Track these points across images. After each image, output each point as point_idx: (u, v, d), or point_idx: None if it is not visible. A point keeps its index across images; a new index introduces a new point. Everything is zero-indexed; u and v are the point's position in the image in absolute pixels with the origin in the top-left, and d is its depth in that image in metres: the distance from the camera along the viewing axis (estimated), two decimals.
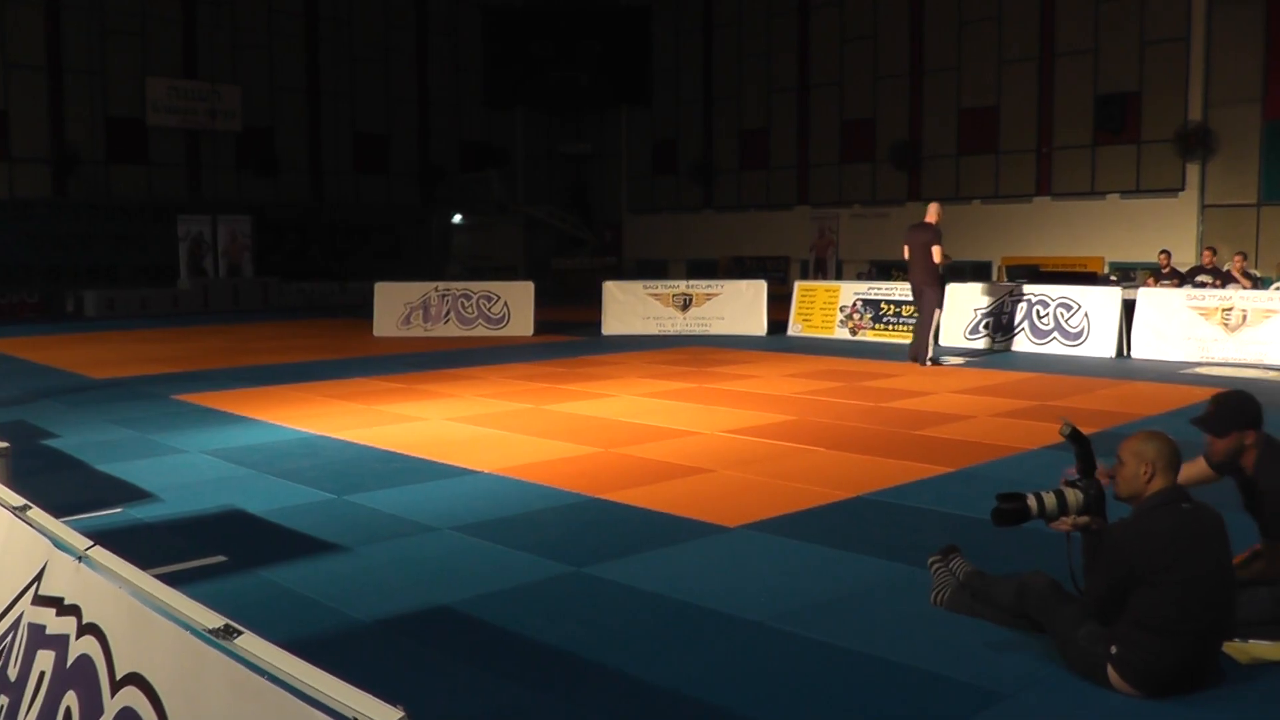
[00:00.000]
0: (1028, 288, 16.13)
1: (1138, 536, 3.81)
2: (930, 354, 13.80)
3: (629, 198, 39.24)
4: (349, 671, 2.07)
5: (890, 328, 17.32)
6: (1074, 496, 4.06)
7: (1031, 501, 4.08)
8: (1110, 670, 3.84)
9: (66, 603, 2.77)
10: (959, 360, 14.58)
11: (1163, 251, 18.56)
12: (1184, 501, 3.90)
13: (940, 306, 13.83)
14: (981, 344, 16.15)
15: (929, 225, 13.66)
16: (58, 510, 3.57)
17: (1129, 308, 15.04)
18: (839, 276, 30.54)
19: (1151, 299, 15.09)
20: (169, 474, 7.52)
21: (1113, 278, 20.56)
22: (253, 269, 30.53)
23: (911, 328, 15.64)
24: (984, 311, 16.29)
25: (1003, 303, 16.13)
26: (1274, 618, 4.18)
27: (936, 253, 13.50)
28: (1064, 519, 4.07)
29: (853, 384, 12.16)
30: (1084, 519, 4.05)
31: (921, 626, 4.49)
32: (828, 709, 3.77)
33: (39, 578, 2.98)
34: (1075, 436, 4.19)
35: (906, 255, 13.84)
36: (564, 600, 4.87)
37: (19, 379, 13.09)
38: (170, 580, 2.67)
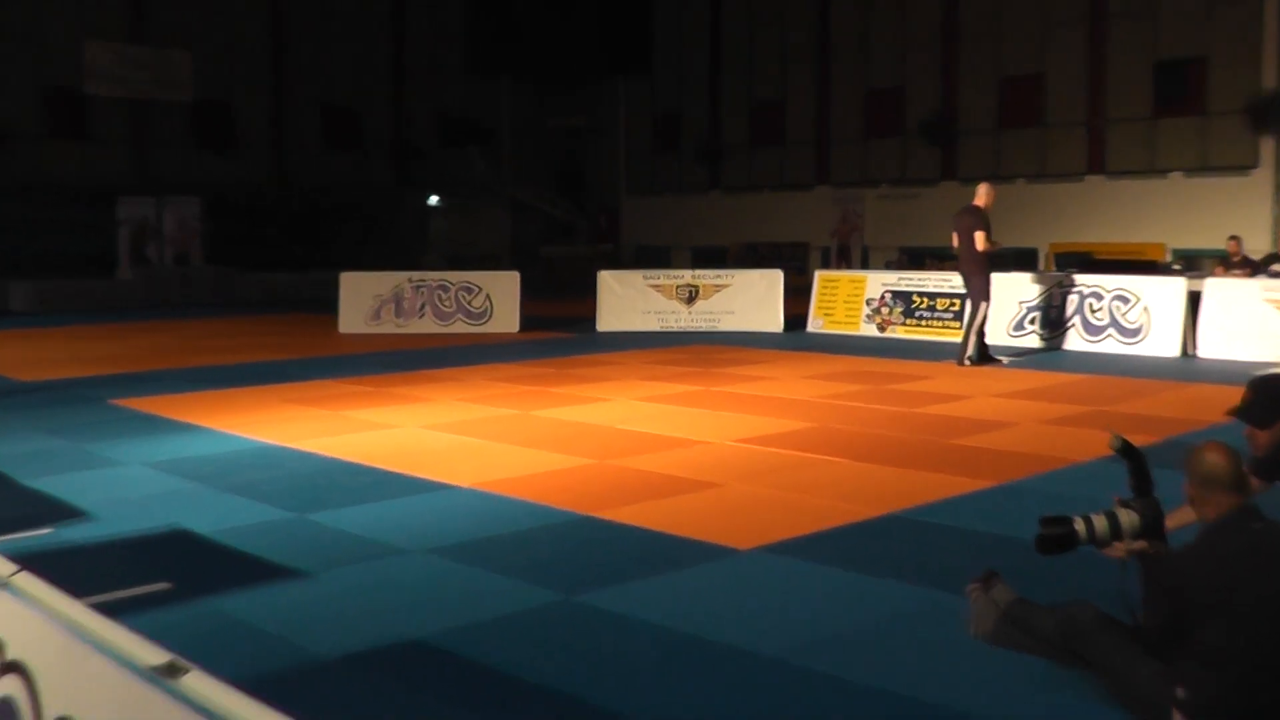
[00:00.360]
0: (1079, 278, 16.12)
1: (1201, 561, 3.79)
2: (969, 352, 13.81)
3: (627, 178, 39.28)
4: (309, 714, 2.05)
5: (923, 323, 17.31)
6: (1128, 518, 4.03)
7: (1079, 525, 4.05)
8: (1177, 717, 3.81)
9: None
10: (1002, 360, 14.57)
11: (1232, 237, 18.55)
12: (1255, 521, 3.86)
13: (986, 299, 13.84)
14: (1026, 342, 16.14)
15: (974, 209, 13.80)
16: None
17: (1194, 301, 15.02)
18: (864, 266, 30.55)
19: (1220, 291, 15.07)
20: (106, 489, 7.50)
21: (1175, 267, 20.55)
22: (204, 258, 30.55)
23: (939, 323, 15.68)
24: (1029, 305, 16.27)
25: (1050, 295, 16.12)
26: None
27: (980, 239, 13.53)
28: (1117, 544, 4.04)
29: (880, 387, 12.14)
30: (1139, 544, 4.02)
31: (958, 661, 4.47)
32: None
33: None
34: (1127, 451, 4.16)
35: (955, 244, 13.94)
36: (553, 632, 4.85)
37: None
38: (107, 611, 2.64)
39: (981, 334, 13.96)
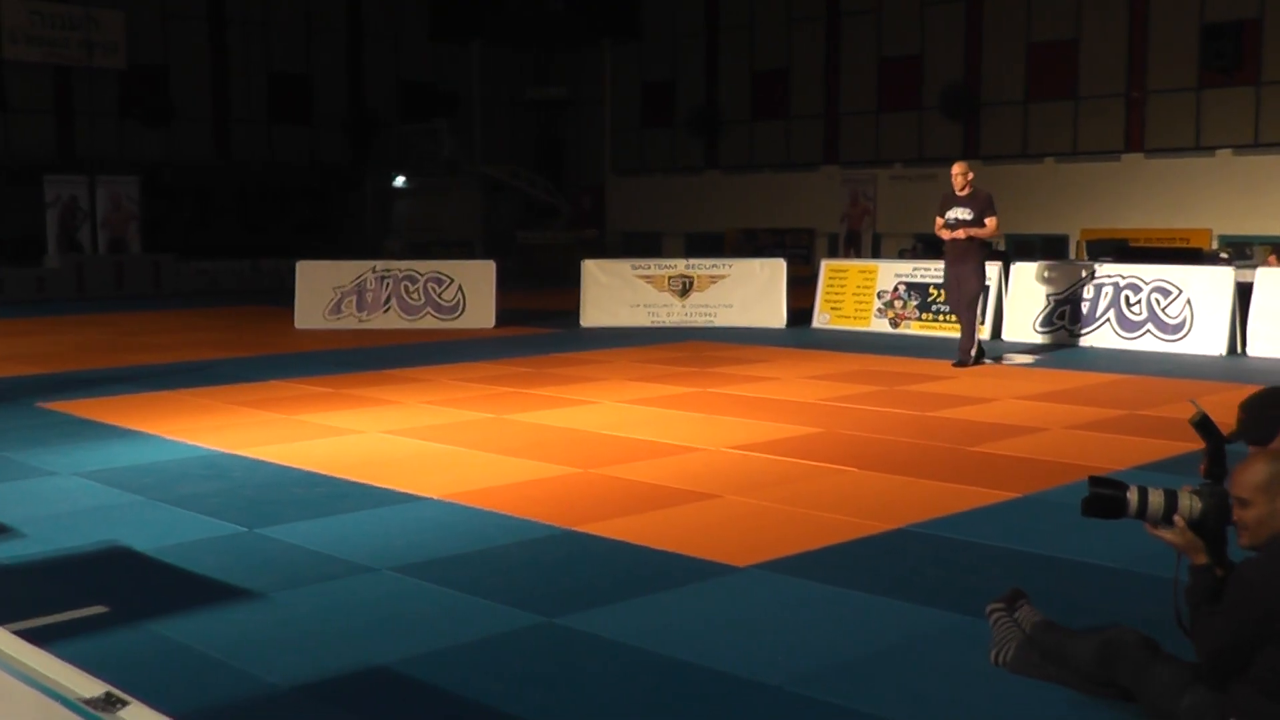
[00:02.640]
0: (1114, 268, 16.21)
1: (1272, 577, 3.78)
2: (973, 349, 13.99)
3: (613, 155, 39.28)
4: None
5: (940, 318, 17.38)
6: (1189, 502, 3.98)
7: (1132, 495, 4.02)
8: None
9: None
10: (1027, 359, 14.64)
11: None
12: None
13: (979, 290, 14.11)
14: (1055, 338, 16.21)
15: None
16: None
17: (1244, 293, 15.10)
18: (876, 254, 30.60)
19: (1273, 282, 15.16)
20: (33, 503, 7.51)
21: (1223, 255, 20.66)
22: (141, 244, 30.43)
23: (943, 318, 15.71)
24: (1058, 298, 16.36)
25: (1082, 286, 16.20)
26: None
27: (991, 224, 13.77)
28: (1164, 529, 4.01)
29: (893, 388, 12.21)
30: (1190, 536, 3.98)
31: (978, 691, 4.51)
32: None
33: None
34: (1206, 427, 4.08)
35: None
36: (532, 659, 4.88)
37: None
38: (36, 637, 2.68)
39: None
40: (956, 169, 13.88)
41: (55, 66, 31.01)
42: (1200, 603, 3.98)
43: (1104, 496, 4.05)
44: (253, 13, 34.51)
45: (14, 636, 2.59)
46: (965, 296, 13.87)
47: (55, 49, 30.82)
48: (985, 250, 14.14)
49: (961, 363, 13.82)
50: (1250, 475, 3.85)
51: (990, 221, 13.63)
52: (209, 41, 33.86)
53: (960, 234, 13.70)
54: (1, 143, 30.45)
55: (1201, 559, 4.00)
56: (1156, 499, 3.99)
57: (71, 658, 2.48)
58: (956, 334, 16.42)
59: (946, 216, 13.81)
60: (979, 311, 14.26)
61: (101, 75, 31.74)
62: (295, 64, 35.51)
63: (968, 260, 13.79)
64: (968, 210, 13.68)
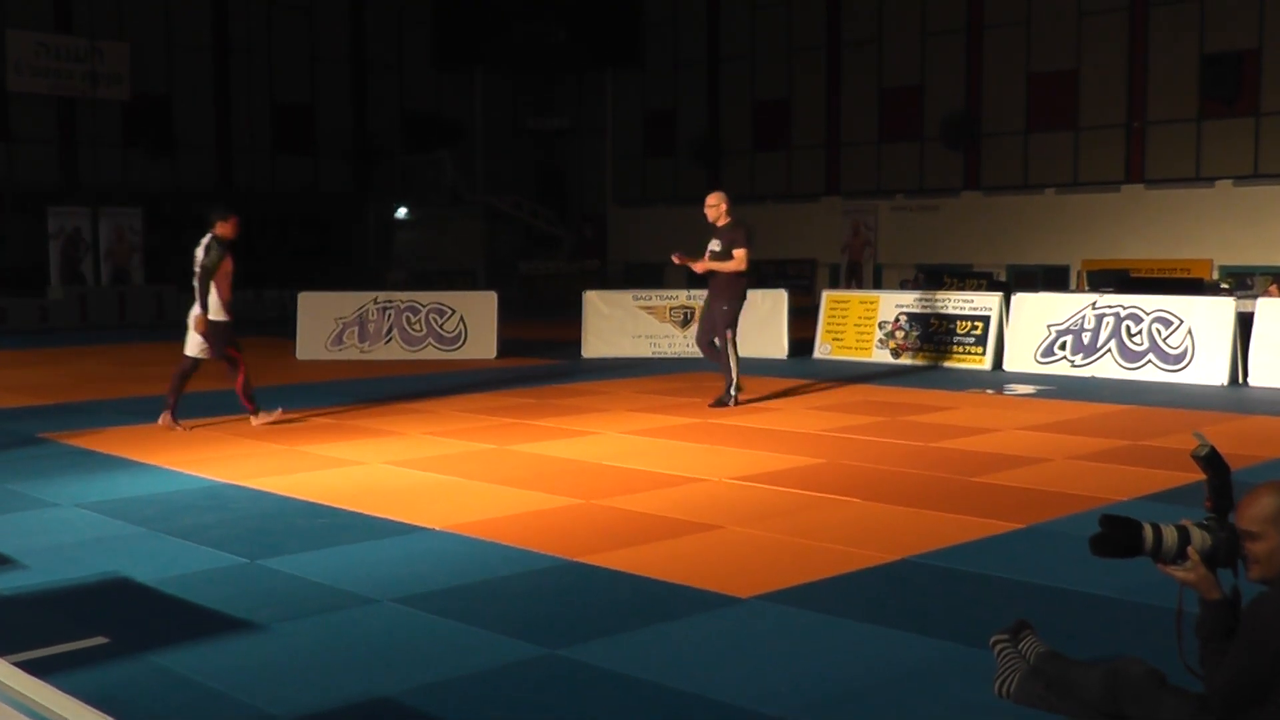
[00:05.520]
0: (1115, 298, 16.22)
1: None
2: (732, 388, 13.19)
3: (615, 185, 39.38)
4: None
5: (943, 349, 17.39)
6: (1200, 537, 3.87)
7: (1147, 532, 3.88)
8: None
9: None
10: (1029, 389, 14.64)
11: None
12: None
13: (727, 327, 13.14)
14: (1056, 369, 16.21)
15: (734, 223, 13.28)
16: None
17: (1245, 323, 15.12)
18: (877, 285, 30.67)
19: (1274, 312, 15.17)
20: (34, 534, 7.50)
21: (1224, 285, 20.68)
22: (144, 274, 30.54)
23: (959, 348, 15.74)
24: (1059, 328, 16.36)
25: (1083, 317, 16.21)
26: None
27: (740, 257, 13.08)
28: (1176, 567, 3.90)
29: (895, 419, 12.21)
30: (1204, 572, 3.89)
31: None
32: None
33: None
34: (1212, 460, 3.95)
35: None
36: (534, 690, 4.87)
37: None
38: (36, 669, 2.68)
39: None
40: (709, 199, 13.20)
41: (60, 98, 31.13)
42: (1212, 638, 3.93)
43: (1119, 538, 3.92)
44: (256, 43, 34.67)
45: (15, 668, 2.59)
46: (707, 335, 13.26)
47: (60, 80, 30.97)
48: (741, 284, 13.15)
49: (721, 402, 13.07)
50: (1258, 508, 3.80)
51: (738, 254, 12.92)
52: (212, 72, 34.00)
53: (698, 267, 13.12)
54: (6, 173, 30.54)
55: (1215, 594, 3.93)
56: (1170, 535, 3.88)
57: (72, 690, 2.48)
58: (961, 365, 16.45)
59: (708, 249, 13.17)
60: (730, 349, 13.07)
61: (105, 106, 31.87)
62: (298, 94, 35.64)
63: (720, 296, 13.07)
64: (719, 242, 13.07)
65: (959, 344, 17.27)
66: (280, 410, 12.08)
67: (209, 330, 11.79)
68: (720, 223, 13.14)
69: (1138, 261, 26.81)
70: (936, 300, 18.05)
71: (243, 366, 11.93)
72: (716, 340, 13.26)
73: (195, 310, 11.94)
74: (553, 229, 37.34)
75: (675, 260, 13.39)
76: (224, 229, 11.93)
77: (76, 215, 29.88)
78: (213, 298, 11.89)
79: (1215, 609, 3.93)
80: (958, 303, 17.61)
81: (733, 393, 13.10)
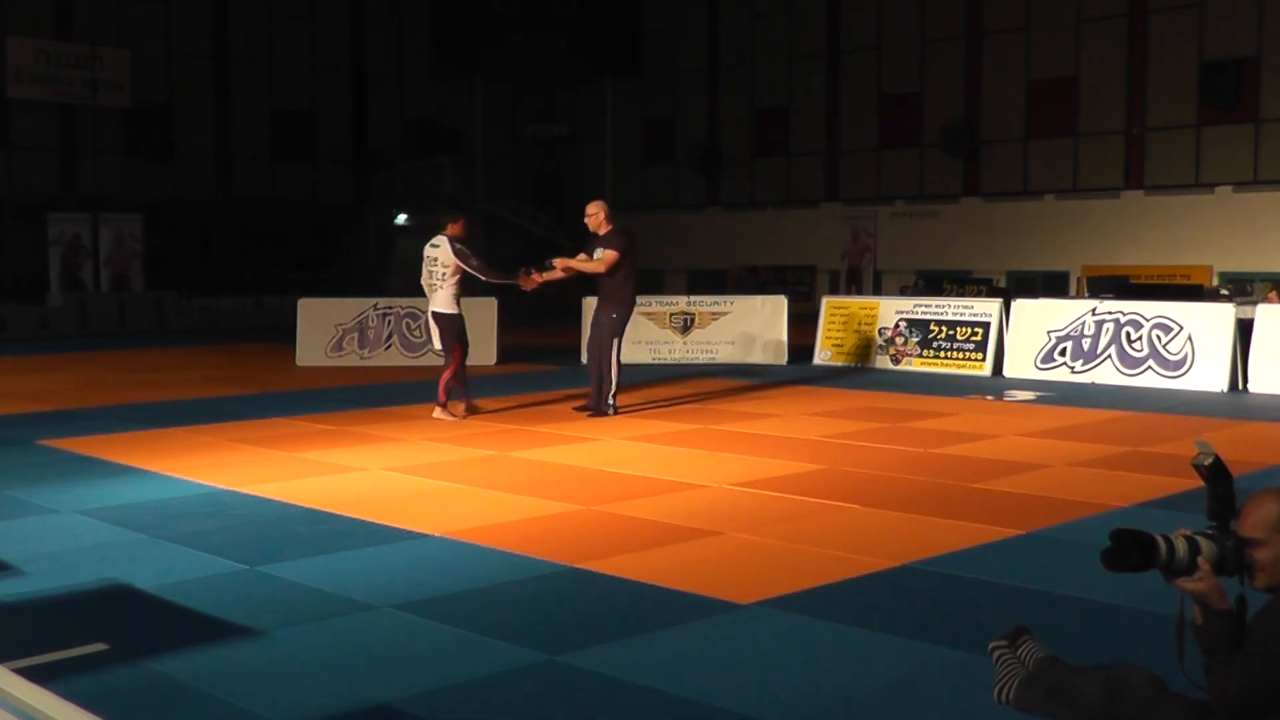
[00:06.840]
0: (1115, 304, 16.22)
1: None
2: (610, 396, 13.03)
3: (615, 192, 39.36)
4: None
5: (943, 355, 17.39)
6: (1209, 548, 3.78)
7: (1162, 545, 3.77)
8: None
9: None
10: (1029, 395, 14.64)
11: None
12: None
13: (612, 336, 12.97)
14: (1056, 375, 16.21)
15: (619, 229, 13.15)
16: None
17: (1244, 330, 15.12)
18: (877, 291, 30.66)
19: (1273, 318, 15.17)
20: (34, 540, 7.50)
21: (1224, 291, 20.69)
22: (144, 281, 30.56)
23: (959, 354, 15.73)
24: (1059, 334, 16.36)
25: (1083, 323, 16.21)
26: None
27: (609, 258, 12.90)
28: (1186, 578, 3.81)
29: (895, 425, 12.20)
30: (1214, 582, 3.81)
31: None
32: None
33: None
34: (1217, 471, 3.84)
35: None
36: (534, 697, 4.87)
37: None
38: (36, 675, 2.68)
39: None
40: (589, 208, 13.06)
41: (60, 105, 31.14)
42: (1218, 649, 3.87)
43: (1133, 554, 3.79)
44: (256, 50, 34.68)
45: (13, 674, 2.59)
46: (596, 344, 13.11)
47: (61, 87, 30.97)
48: (628, 293, 12.95)
49: (596, 409, 12.91)
50: (1261, 514, 3.77)
51: (603, 255, 12.78)
52: (213, 79, 34.01)
53: (558, 264, 13.08)
54: (6, 180, 30.54)
55: (1224, 604, 3.85)
56: (1182, 547, 3.78)
57: (72, 696, 2.48)
58: (960, 370, 16.45)
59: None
60: (614, 357, 12.87)
61: (106, 113, 31.88)
62: (298, 101, 35.65)
63: (605, 305, 12.97)
64: (599, 250, 12.93)
65: (959, 350, 17.26)
66: (464, 408, 12.91)
67: (455, 317, 12.81)
68: (601, 230, 12.97)
69: (1137, 268, 26.83)
70: (936, 306, 18.05)
71: (455, 365, 12.73)
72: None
73: (432, 307, 13.13)
74: (552, 235, 37.31)
75: (527, 284, 13.27)
76: (454, 229, 13.02)
77: (76, 222, 29.93)
78: (447, 291, 12.84)
79: (1222, 619, 3.85)
80: (958, 309, 17.61)
81: (611, 401, 12.95)
